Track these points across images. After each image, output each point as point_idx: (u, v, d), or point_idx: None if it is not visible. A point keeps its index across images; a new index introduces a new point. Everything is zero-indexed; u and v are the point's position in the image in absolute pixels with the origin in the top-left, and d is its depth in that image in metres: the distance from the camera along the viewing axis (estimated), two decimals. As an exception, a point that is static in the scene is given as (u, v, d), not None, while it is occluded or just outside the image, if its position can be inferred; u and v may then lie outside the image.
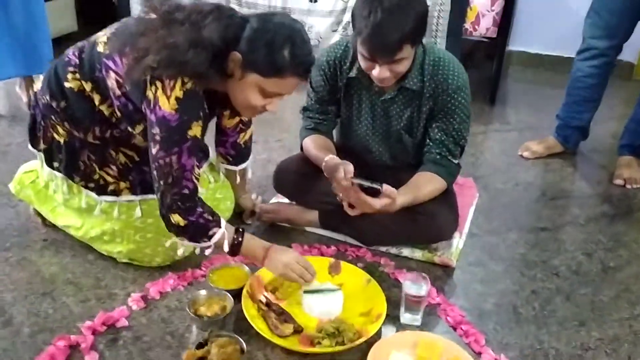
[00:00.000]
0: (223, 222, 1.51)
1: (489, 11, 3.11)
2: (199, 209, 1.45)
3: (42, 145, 1.63)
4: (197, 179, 1.46)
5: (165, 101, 1.34)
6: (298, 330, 1.47)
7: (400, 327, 1.54)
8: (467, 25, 3.12)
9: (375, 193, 1.58)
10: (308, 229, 1.93)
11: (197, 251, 1.60)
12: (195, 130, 1.39)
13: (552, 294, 1.72)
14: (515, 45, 3.89)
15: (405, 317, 1.56)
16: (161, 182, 1.41)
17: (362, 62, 1.61)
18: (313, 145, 1.83)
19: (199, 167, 1.65)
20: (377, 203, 1.58)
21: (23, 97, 2.78)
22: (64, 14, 3.72)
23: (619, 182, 2.39)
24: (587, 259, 1.90)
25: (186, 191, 1.43)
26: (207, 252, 1.53)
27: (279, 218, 1.93)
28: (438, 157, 1.75)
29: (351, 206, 1.63)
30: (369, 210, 1.60)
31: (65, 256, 1.74)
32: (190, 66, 1.33)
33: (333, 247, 1.84)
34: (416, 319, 1.55)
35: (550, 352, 1.50)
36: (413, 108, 1.75)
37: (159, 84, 1.34)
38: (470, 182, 2.28)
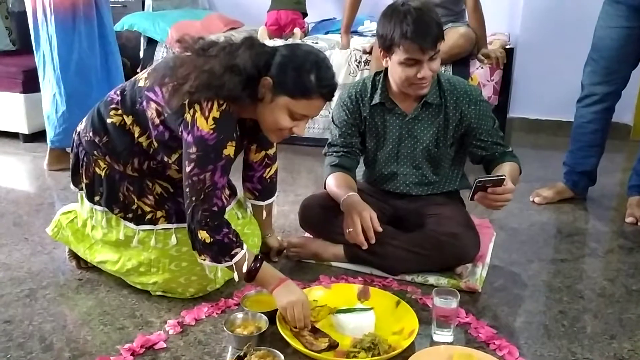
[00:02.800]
0: (245, 246, 1.60)
1: (489, 81, 3.30)
2: (225, 229, 1.55)
3: (84, 182, 1.73)
4: (226, 199, 1.55)
5: (203, 122, 1.46)
6: (333, 345, 1.49)
7: (433, 344, 1.56)
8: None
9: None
10: (334, 263, 1.98)
11: (219, 274, 1.68)
12: (229, 149, 1.51)
13: (580, 313, 1.74)
14: (516, 112, 4.08)
15: (437, 334, 1.58)
16: (193, 199, 1.51)
17: (403, 72, 1.80)
18: (334, 182, 1.94)
19: (227, 202, 1.75)
20: (510, 187, 1.71)
21: None
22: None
23: (631, 220, 2.45)
24: (610, 284, 1.93)
25: (215, 208, 1.53)
26: (235, 277, 1.59)
27: (305, 253, 1.99)
28: (497, 153, 1.94)
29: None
30: (508, 194, 1.71)
31: (100, 292, 1.79)
32: (226, 89, 1.47)
33: (360, 278, 1.88)
34: (448, 335, 1.57)
35: (585, 362, 1.51)
36: (438, 123, 1.92)
37: (197, 106, 1.47)
38: (486, 222, 2.33)
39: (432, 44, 1.76)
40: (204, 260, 1.57)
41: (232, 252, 1.56)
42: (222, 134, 1.48)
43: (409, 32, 1.74)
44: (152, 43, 3.67)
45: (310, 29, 4.02)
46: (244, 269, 1.58)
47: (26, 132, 3.47)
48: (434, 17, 1.79)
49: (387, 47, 1.82)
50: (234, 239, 1.57)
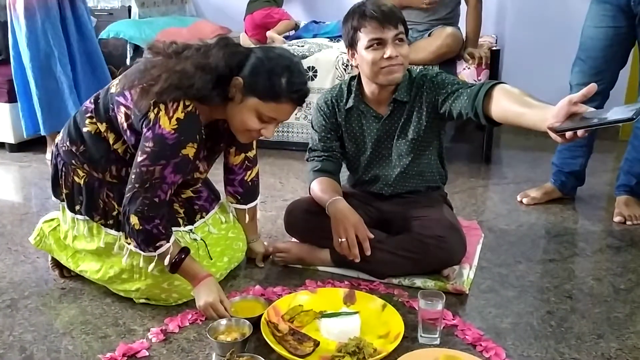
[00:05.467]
0: (172, 239, 1.60)
1: (475, 81, 3.29)
2: (157, 220, 1.55)
3: (64, 192, 1.71)
4: (173, 197, 1.59)
5: (166, 121, 1.46)
6: (317, 344, 1.49)
7: (420, 347, 1.54)
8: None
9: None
10: (321, 268, 1.96)
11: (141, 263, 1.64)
12: (188, 150, 1.50)
13: (567, 313, 1.73)
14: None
15: (424, 337, 1.56)
16: (136, 185, 1.51)
17: (369, 55, 1.78)
18: (319, 187, 1.92)
19: (210, 205, 1.79)
20: None
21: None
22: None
23: (619, 219, 2.45)
24: (598, 283, 1.92)
25: (157, 200, 1.52)
26: (166, 261, 1.59)
27: (291, 258, 1.97)
28: (476, 87, 1.73)
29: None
30: None
31: (83, 301, 1.77)
32: (195, 88, 1.47)
33: (346, 282, 1.87)
34: (434, 338, 1.56)
35: (573, 362, 1.50)
36: (413, 119, 1.90)
37: (162, 106, 1.47)
38: (475, 224, 2.33)
39: (393, 22, 1.76)
40: (129, 244, 1.58)
41: (157, 244, 1.56)
42: (183, 135, 1.47)
43: (367, 11, 1.76)
44: (138, 51, 3.66)
45: (301, 26, 4.01)
46: (166, 262, 1.58)
47: (12, 141, 3.45)
48: (393, 6, 1.83)
49: (351, 38, 1.83)
50: (163, 230, 1.56)
